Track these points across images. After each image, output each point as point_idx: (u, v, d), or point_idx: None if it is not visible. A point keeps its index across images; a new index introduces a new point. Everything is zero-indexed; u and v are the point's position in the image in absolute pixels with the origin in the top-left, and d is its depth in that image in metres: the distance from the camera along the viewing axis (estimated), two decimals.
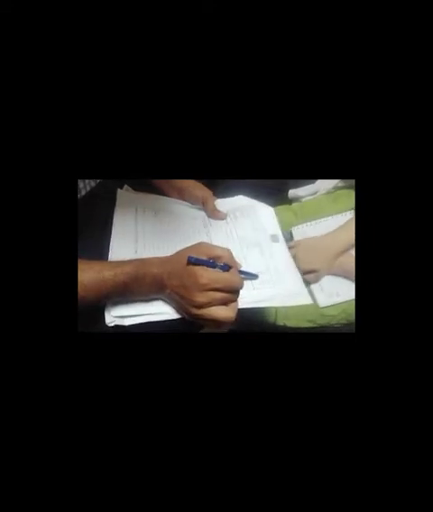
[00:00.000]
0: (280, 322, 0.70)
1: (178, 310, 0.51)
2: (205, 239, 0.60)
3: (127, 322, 0.50)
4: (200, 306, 0.47)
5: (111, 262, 0.52)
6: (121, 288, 0.48)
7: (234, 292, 0.48)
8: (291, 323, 0.70)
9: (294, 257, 0.63)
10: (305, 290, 0.56)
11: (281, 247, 0.61)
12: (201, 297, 0.46)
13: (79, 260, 0.46)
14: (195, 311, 0.47)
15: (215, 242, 0.59)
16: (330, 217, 0.76)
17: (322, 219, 0.77)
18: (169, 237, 0.60)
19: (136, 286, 0.49)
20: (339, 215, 0.76)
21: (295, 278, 0.57)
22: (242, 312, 0.50)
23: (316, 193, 0.82)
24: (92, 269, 0.48)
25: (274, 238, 0.62)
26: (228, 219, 0.65)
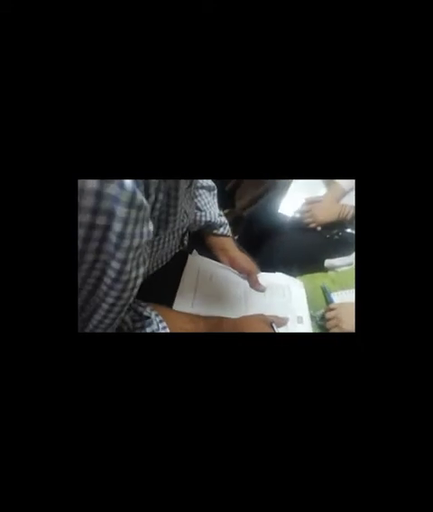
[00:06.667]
0: None
1: None
2: (242, 306, 0.75)
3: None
4: None
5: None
6: None
7: None
8: None
9: (335, 318, 0.72)
10: None
11: (304, 328, 0.73)
12: None
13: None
14: None
15: (250, 312, 0.72)
16: None
17: None
18: (215, 298, 0.75)
19: None
20: None
21: None
22: None
23: (351, 264, 0.88)
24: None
25: (299, 319, 0.74)
26: (266, 293, 0.78)
